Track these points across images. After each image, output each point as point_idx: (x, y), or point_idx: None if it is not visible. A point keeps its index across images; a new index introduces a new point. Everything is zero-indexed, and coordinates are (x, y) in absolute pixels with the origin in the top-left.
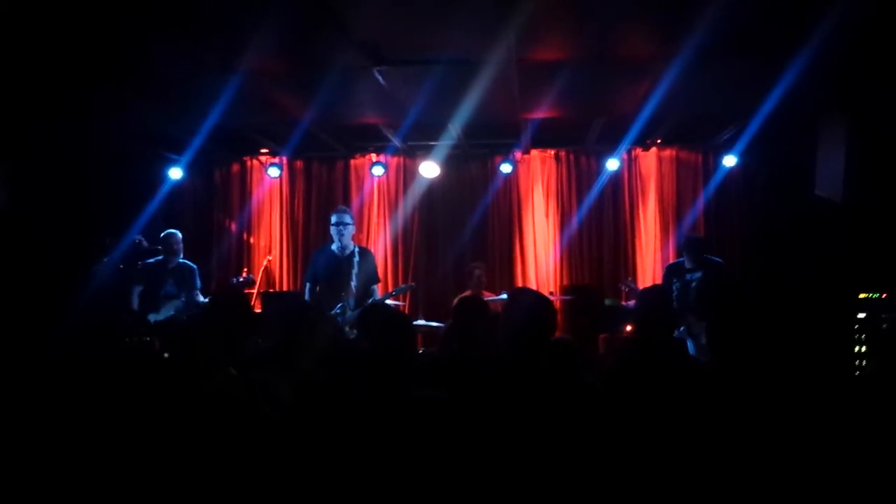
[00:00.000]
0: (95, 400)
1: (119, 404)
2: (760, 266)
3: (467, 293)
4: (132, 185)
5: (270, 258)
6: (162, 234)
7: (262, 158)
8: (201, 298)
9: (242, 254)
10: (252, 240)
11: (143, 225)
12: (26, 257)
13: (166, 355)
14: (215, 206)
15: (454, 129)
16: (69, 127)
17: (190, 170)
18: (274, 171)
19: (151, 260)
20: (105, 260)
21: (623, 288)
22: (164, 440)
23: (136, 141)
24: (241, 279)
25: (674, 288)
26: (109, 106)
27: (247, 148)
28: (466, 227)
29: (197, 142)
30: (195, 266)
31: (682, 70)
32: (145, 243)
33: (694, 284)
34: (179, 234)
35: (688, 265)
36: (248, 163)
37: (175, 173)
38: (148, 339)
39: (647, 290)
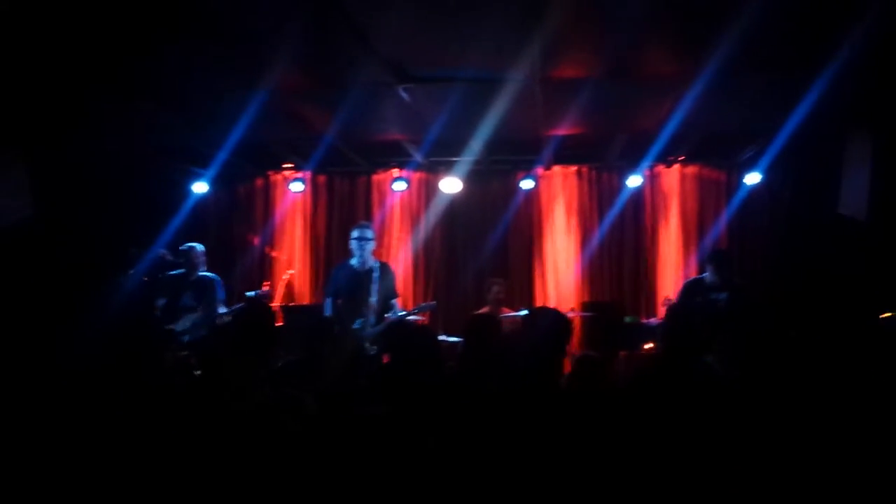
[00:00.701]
0: (133, 415)
1: (159, 420)
2: (784, 285)
3: (484, 309)
4: (157, 199)
5: (292, 272)
6: (182, 247)
7: (286, 173)
8: (222, 310)
9: (264, 267)
10: (274, 254)
11: (167, 238)
12: (52, 269)
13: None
14: (238, 220)
15: (476, 145)
16: (94, 140)
17: (214, 184)
18: (297, 186)
19: (173, 272)
20: (130, 272)
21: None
22: (200, 456)
23: (162, 155)
24: (261, 293)
25: (696, 303)
26: (135, 120)
27: (270, 162)
28: (487, 243)
29: (221, 156)
30: (217, 278)
31: (705, 87)
32: (169, 257)
33: (721, 305)
34: (201, 248)
35: (710, 281)
36: (272, 177)
37: (200, 187)
38: (185, 353)
39: (673, 306)
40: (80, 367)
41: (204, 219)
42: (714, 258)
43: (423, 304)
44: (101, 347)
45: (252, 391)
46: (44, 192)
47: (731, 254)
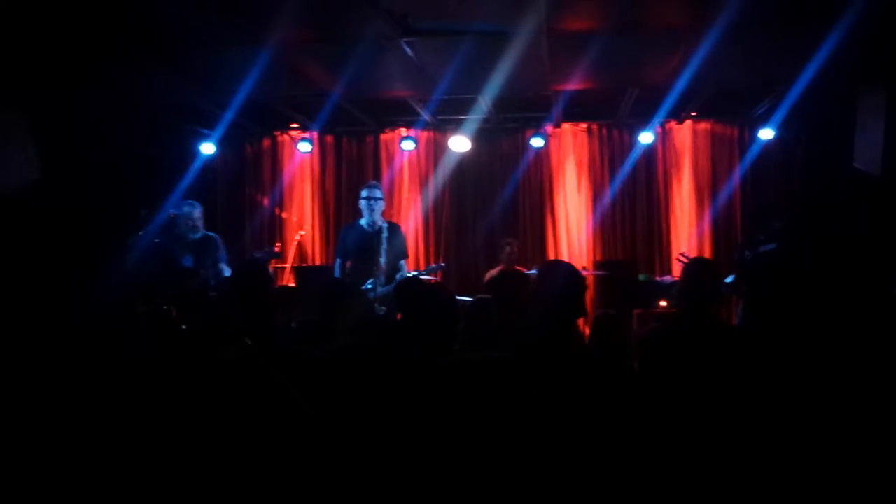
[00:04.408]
0: (111, 368)
1: (133, 373)
2: (798, 241)
3: (497, 268)
4: (165, 160)
5: (303, 233)
6: (178, 207)
7: (293, 133)
8: (227, 271)
9: (275, 228)
10: (284, 214)
11: (176, 199)
12: (62, 231)
13: (184, 326)
14: (247, 181)
15: (484, 103)
16: (102, 101)
17: (222, 144)
18: (304, 146)
19: (160, 240)
20: (140, 234)
21: (681, 261)
22: (177, 409)
23: (169, 115)
24: (266, 251)
25: (745, 258)
26: (142, 80)
27: (278, 122)
28: (497, 202)
29: (228, 116)
30: (219, 237)
31: (717, 39)
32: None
33: (770, 255)
34: (199, 207)
35: (760, 237)
36: (279, 137)
37: (207, 148)
38: (165, 307)
39: (692, 261)
40: (94, 326)
41: (212, 180)
42: (754, 218)
43: (433, 266)
44: (114, 307)
45: (238, 347)
46: (51, 156)
47: (771, 204)
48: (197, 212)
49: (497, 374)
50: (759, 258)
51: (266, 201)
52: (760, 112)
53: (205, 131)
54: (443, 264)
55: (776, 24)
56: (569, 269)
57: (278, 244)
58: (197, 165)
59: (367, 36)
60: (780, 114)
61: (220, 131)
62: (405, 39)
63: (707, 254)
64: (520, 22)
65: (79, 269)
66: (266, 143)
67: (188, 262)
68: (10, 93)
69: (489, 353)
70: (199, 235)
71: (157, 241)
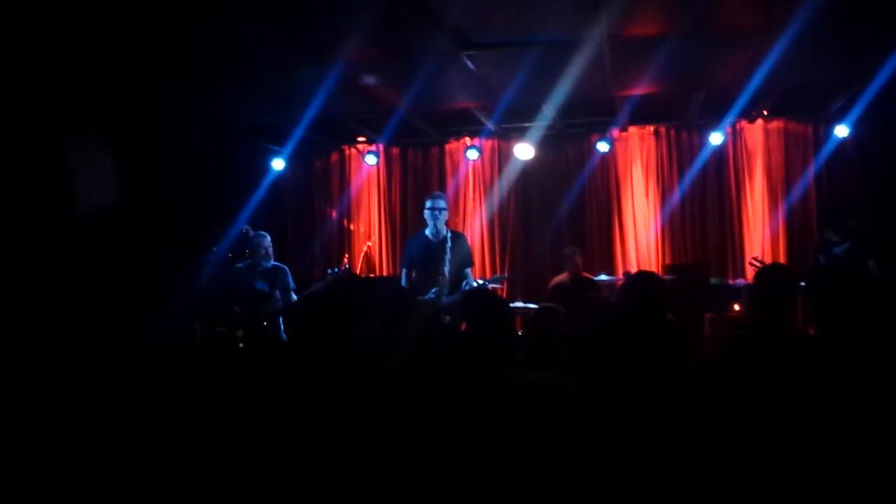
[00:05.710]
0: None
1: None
2: (876, 241)
3: (563, 276)
4: (238, 177)
5: (370, 244)
6: (252, 235)
7: (360, 146)
8: (294, 298)
9: (343, 241)
10: (352, 226)
11: (248, 215)
12: (139, 248)
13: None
14: (316, 194)
15: (548, 110)
16: (177, 122)
17: (291, 160)
18: (371, 159)
19: (241, 264)
20: (214, 249)
21: (754, 266)
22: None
23: (241, 133)
24: (339, 270)
25: (819, 262)
26: (214, 100)
27: (344, 136)
28: (563, 208)
29: (298, 132)
30: (286, 267)
31: (789, 38)
32: (252, 233)
33: (841, 257)
34: (269, 238)
35: (834, 239)
36: (346, 151)
37: (277, 164)
38: (221, 329)
39: (767, 267)
40: (170, 342)
41: (283, 195)
42: (826, 219)
43: (496, 277)
44: (189, 323)
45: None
46: (128, 176)
47: (843, 203)
48: (267, 241)
49: (557, 393)
50: (832, 262)
51: (334, 213)
52: (836, 108)
53: (275, 147)
54: (505, 275)
55: (850, 19)
56: (655, 281)
57: (346, 257)
58: (268, 181)
59: (430, 52)
60: (855, 110)
61: (289, 147)
62: (466, 53)
63: (781, 256)
64: (583, 31)
65: (155, 286)
66: (334, 156)
67: (262, 285)
68: (88, 116)
69: (550, 373)
70: (270, 264)
71: (238, 265)
